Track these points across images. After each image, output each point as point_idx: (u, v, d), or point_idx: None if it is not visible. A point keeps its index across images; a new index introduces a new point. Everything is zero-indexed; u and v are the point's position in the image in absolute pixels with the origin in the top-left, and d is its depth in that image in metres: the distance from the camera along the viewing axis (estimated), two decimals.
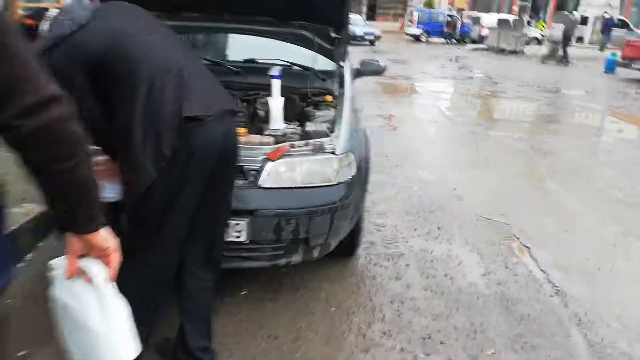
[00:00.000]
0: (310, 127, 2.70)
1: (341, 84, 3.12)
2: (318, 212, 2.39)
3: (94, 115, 1.89)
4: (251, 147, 2.46)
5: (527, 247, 3.41)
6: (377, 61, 3.69)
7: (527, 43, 21.90)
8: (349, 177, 2.51)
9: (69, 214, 1.08)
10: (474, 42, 24.64)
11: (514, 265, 3.16)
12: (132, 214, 1.89)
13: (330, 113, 2.88)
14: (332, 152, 2.47)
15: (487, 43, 21.91)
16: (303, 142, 2.51)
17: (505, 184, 4.69)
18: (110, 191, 2.12)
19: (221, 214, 2.13)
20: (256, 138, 2.55)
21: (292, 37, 3.04)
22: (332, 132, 2.67)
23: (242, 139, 2.50)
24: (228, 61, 3.21)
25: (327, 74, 3.15)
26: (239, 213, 2.31)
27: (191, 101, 1.79)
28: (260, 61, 3.23)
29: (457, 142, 6.15)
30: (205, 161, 1.87)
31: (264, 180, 2.36)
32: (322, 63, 3.15)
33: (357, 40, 20.60)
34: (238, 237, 2.35)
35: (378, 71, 3.68)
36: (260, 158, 2.39)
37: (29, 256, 2.97)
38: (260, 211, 2.32)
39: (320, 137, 2.62)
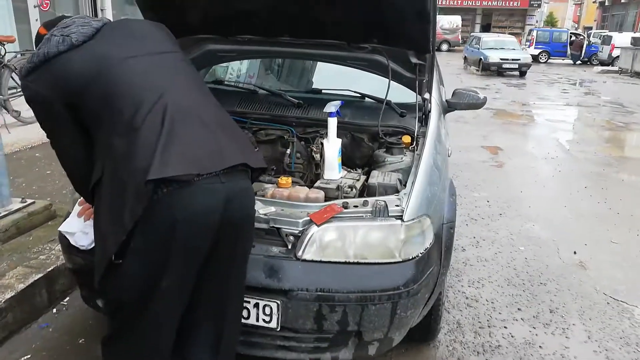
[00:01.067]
0: (375, 178, 2.09)
1: (424, 121, 2.47)
2: (374, 300, 1.76)
3: (70, 156, 1.52)
4: (292, 203, 1.92)
5: None
6: (475, 91, 2.97)
7: None
8: (421, 251, 1.85)
9: None
10: (602, 64, 22.08)
11: None
12: (105, 294, 1.45)
13: (406, 159, 2.25)
14: (399, 217, 1.83)
15: (619, 65, 19.44)
16: (360, 200, 1.91)
17: None
18: (82, 238, 1.73)
19: (230, 297, 1.61)
20: (301, 192, 1.99)
21: (364, 62, 2.47)
22: (404, 185, 2.04)
23: (283, 192, 1.98)
24: (289, 91, 2.73)
25: (408, 109, 2.52)
26: (268, 291, 1.77)
27: (168, 156, 1.30)
28: (326, 92, 2.70)
29: (580, 187, 5.06)
30: (194, 235, 1.37)
31: (305, 251, 1.80)
32: (401, 95, 2.53)
33: (491, 69, 16.76)
34: (267, 321, 1.80)
35: (476, 105, 2.95)
36: (302, 220, 1.83)
37: (64, 301, 2.69)
38: (296, 292, 1.75)
39: (387, 193, 2.00)
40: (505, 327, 2.61)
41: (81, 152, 1.47)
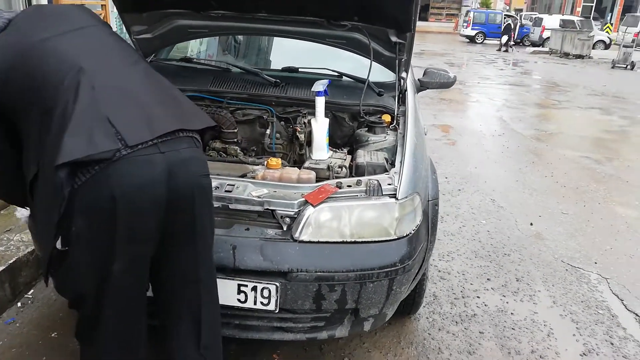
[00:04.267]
0: (362, 157, 2.09)
1: (402, 100, 2.50)
2: (372, 278, 1.78)
3: (5, 165, 1.44)
4: (286, 185, 1.89)
5: (637, 315, 2.66)
6: (445, 71, 3.03)
7: (593, 47, 20.34)
8: (413, 228, 1.89)
9: None
10: (533, 45, 23.22)
11: (622, 342, 2.43)
12: (61, 289, 1.44)
13: (389, 138, 2.26)
14: (393, 195, 1.85)
15: (549, 46, 20.52)
16: (353, 179, 1.91)
17: (593, 221, 3.89)
18: None
19: (199, 280, 1.55)
20: (293, 173, 1.97)
21: (343, 41, 2.44)
22: (391, 164, 2.06)
23: (274, 173, 1.95)
24: (264, 69, 2.66)
25: (384, 88, 2.54)
26: (267, 274, 1.74)
27: (81, 134, 1.22)
28: (303, 70, 2.65)
29: (527, 162, 5.35)
30: (138, 212, 1.30)
31: (302, 232, 1.78)
32: (379, 74, 2.54)
33: None
34: (265, 304, 1.78)
35: (447, 83, 3.02)
36: (297, 201, 1.81)
37: (29, 294, 2.52)
38: (295, 274, 1.73)
39: (376, 173, 2.02)
40: (478, 297, 2.73)
41: (6, 160, 1.40)
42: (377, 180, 1.89)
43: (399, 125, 2.33)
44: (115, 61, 1.43)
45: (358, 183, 1.88)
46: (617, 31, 24.09)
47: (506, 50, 20.70)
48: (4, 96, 1.31)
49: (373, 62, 2.52)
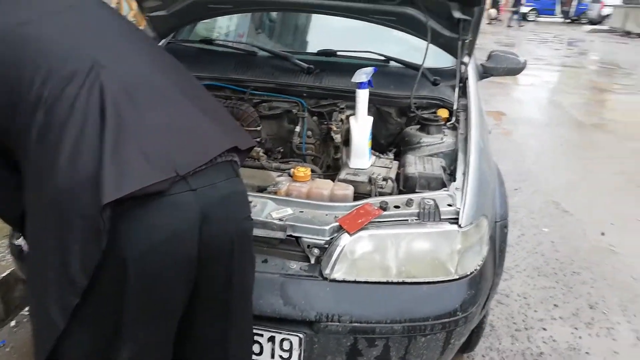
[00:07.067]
0: (413, 166, 1.65)
1: (463, 91, 2.04)
2: (424, 330, 1.37)
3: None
4: (315, 204, 1.48)
5: None
6: (514, 54, 2.52)
7: None
8: (479, 263, 1.46)
9: None
10: (591, 22, 21.67)
11: None
12: None
13: (446, 140, 1.81)
14: (454, 221, 1.42)
15: (609, 24, 19.07)
16: (402, 198, 1.48)
17: None
18: None
19: (230, 345, 1.18)
20: (324, 187, 1.55)
21: (392, 17, 1.98)
22: (449, 175, 1.63)
23: (301, 188, 1.54)
24: (295, 52, 2.23)
25: (441, 75, 2.07)
26: (288, 322, 1.36)
27: (124, 159, 0.84)
28: (342, 53, 2.21)
29: (593, 157, 4.73)
30: (157, 281, 0.91)
31: (335, 268, 1.38)
32: (434, 58, 2.07)
33: None
34: (285, 358, 1.40)
35: (515, 69, 2.51)
36: (329, 226, 1.40)
37: (26, 310, 2.23)
38: (324, 324, 1.34)
39: (430, 187, 1.58)
40: (544, 329, 2.28)
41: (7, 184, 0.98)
42: (434, 200, 1.46)
43: (458, 123, 1.88)
44: (137, 50, 1.05)
45: (409, 203, 1.45)
46: None
47: (510, 26, 19.68)
48: None
49: (430, 44, 2.06)
